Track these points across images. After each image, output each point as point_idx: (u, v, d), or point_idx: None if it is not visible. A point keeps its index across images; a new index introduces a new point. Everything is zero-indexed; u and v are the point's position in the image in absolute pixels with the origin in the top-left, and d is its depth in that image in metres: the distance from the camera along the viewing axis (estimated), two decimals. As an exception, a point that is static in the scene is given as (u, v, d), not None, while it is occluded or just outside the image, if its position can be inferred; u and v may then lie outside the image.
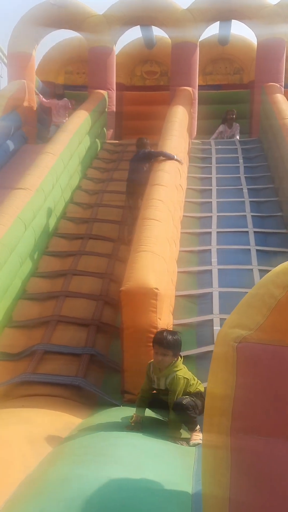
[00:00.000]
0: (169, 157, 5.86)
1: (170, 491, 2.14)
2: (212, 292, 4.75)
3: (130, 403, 3.52)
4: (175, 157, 5.92)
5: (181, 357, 3.09)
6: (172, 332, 3.09)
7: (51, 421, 3.09)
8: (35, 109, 8.87)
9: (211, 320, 4.40)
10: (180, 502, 2.06)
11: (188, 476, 2.32)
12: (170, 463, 2.48)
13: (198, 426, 2.97)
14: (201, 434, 2.87)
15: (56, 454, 2.55)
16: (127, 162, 7.81)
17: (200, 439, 2.87)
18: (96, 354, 4.10)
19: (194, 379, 3.09)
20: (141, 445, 2.61)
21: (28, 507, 1.97)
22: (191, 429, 2.98)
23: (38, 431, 2.87)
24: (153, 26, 9.41)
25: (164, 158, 5.86)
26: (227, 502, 1.43)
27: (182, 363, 3.08)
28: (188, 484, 2.21)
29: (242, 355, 1.43)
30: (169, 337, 2.99)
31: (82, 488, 2.04)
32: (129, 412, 3.28)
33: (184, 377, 2.99)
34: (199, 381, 3.12)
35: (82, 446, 2.57)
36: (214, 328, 4.28)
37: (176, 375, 2.97)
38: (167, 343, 2.96)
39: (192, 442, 2.90)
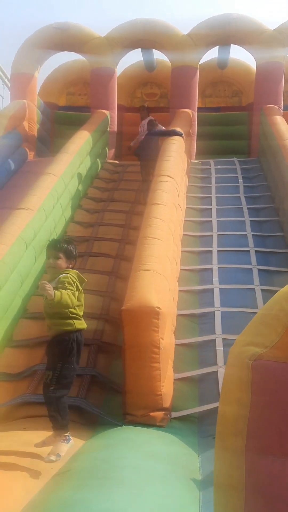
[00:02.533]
0: (178, 134, 7.13)
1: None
2: (214, 312, 4.73)
3: (132, 423, 3.46)
4: (182, 134, 7.24)
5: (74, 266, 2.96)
6: (67, 240, 3.08)
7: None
8: (35, 127, 8.98)
9: (214, 341, 4.37)
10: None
11: (195, 498, 2.26)
12: (176, 485, 2.42)
13: (66, 433, 2.73)
14: (64, 446, 2.64)
15: (58, 478, 2.49)
16: (127, 182, 7.91)
17: (59, 453, 2.59)
18: (97, 375, 4.04)
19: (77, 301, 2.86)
20: (145, 467, 2.55)
21: None
22: (55, 428, 2.73)
23: (40, 455, 2.80)
24: (153, 49, 9.62)
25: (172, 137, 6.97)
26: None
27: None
28: (195, 507, 2.15)
29: (258, 373, 1.41)
30: (62, 242, 2.98)
31: (86, 513, 1.98)
32: (130, 433, 3.22)
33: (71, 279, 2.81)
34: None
35: (84, 470, 2.52)
36: (217, 348, 4.24)
37: (67, 275, 2.85)
38: (60, 246, 2.93)
39: (48, 457, 2.62)
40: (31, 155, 8.77)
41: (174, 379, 3.93)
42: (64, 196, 6.37)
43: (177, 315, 4.63)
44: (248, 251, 5.75)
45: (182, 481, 2.53)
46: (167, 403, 3.59)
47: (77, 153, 7.05)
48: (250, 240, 5.98)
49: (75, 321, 2.81)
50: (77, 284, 2.87)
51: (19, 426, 3.37)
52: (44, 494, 2.32)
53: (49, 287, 2.70)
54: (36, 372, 4.05)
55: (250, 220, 6.40)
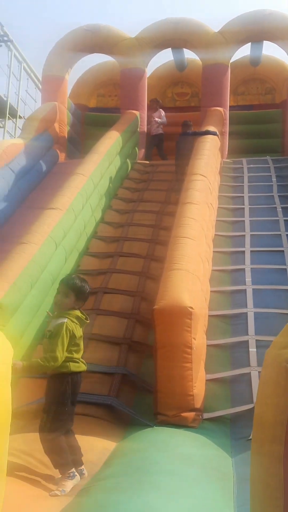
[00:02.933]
0: (212, 134, 7.36)
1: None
2: (246, 313, 4.63)
3: (163, 424, 3.42)
4: (217, 133, 7.48)
5: (82, 313, 2.82)
6: (82, 279, 2.88)
7: (87, 447, 3.01)
8: (66, 130, 9.08)
9: (247, 342, 4.27)
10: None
11: (229, 502, 2.20)
12: (209, 488, 2.36)
13: (70, 470, 2.56)
14: (69, 482, 2.50)
15: (92, 482, 2.47)
16: (157, 183, 7.88)
17: (64, 489, 2.45)
18: (128, 373, 4.02)
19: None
20: (178, 470, 2.50)
21: None
22: (56, 467, 2.60)
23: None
24: (184, 49, 9.56)
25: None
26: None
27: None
28: (229, 509, 2.09)
29: (295, 377, 1.34)
30: (77, 280, 2.80)
31: (119, 515, 1.96)
32: (165, 435, 3.18)
33: (68, 328, 2.66)
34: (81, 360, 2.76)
35: (117, 473, 2.49)
36: (250, 350, 4.15)
37: (65, 322, 2.68)
38: (73, 284, 2.77)
39: (54, 492, 2.45)
40: (62, 156, 8.87)
41: (206, 380, 3.86)
42: (93, 196, 6.40)
43: (209, 315, 4.56)
44: (282, 251, 5.61)
45: (215, 485, 2.47)
46: (199, 403, 3.53)
47: (107, 154, 7.07)
48: (284, 240, 5.83)
49: (70, 363, 2.73)
50: (73, 333, 2.74)
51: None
52: (79, 498, 2.31)
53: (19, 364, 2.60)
54: (68, 370, 4.07)
55: (284, 220, 6.24)
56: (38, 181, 7.76)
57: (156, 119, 8.88)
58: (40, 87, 11.33)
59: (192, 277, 3.96)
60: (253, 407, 3.49)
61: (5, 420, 1.71)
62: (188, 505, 2.13)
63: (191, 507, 2.12)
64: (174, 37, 8.84)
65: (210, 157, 6.57)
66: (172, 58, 10.17)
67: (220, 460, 2.91)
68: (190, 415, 3.46)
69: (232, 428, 3.56)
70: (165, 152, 9.02)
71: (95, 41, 9.05)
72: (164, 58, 10.12)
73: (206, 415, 3.57)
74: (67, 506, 2.25)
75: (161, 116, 8.92)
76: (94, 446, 3.09)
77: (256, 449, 1.51)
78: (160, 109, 8.86)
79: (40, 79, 10.38)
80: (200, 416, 3.53)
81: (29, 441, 2.86)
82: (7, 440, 1.76)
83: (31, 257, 4.43)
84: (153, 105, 8.85)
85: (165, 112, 9.67)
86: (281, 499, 1.34)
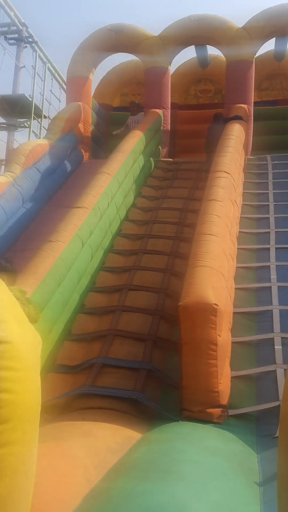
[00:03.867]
0: (239, 118, 7.80)
1: (237, 510, 2.06)
2: (272, 310, 4.61)
3: (188, 419, 3.46)
4: (242, 117, 7.88)
5: None
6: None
7: (111, 435, 3.09)
8: (90, 130, 9.19)
9: (272, 339, 4.26)
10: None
11: (255, 497, 2.23)
12: (236, 482, 2.39)
13: None
14: None
15: (118, 469, 2.53)
16: (181, 181, 7.90)
17: None
18: (153, 369, 4.08)
19: None
20: (205, 462, 2.54)
21: None
22: None
23: (100, 445, 2.87)
24: (207, 46, 9.52)
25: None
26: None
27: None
28: (256, 506, 2.12)
29: None
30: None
31: (146, 505, 2.01)
32: (188, 428, 3.22)
33: None
34: None
35: (144, 462, 2.54)
36: (276, 347, 4.14)
37: None
38: None
39: None
40: (86, 156, 8.99)
41: (231, 377, 3.88)
42: (118, 195, 6.47)
43: (234, 313, 4.57)
44: (308, 248, 5.55)
45: (241, 479, 2.50)
46: (224, 400, 3.55)
47: (131, 152, 7.13)
48: (310, 236, 5.77)
49: None
50: None
51: (78, 417, 3.47)
52: (105, 484, 2.37)
53: None
54: (94, 365, 4.16)
55: (310, 216, 6.17)
56: (64, 180, 7.90)
57: (131, 122, 8.71)
58: (64, 87, 11.50)
59: (216, 274, 3.98)
60: (279, 405, 3.51)
61: (35, 410, 1.78)
62: (216, 499, 2.16)
63: (219, 501, 2.15)
64: (198, 34, 8.82)
65: (234, 154, 6.55)
66: (195, 55, 10.14)
67: (246, 455, 2.94)
68: (216, 411, 3.49)
69: (258, 425, 3.57)
70: (185, 149, 9.10)
71: (119, 40, 9.12)
72: (187, 55, 10.12)
73: (232, 412, 3.60)
74: (93, 490, 2.30)
75: (139, 119, 8.68)
76: (118, 433, 3.16)
77: (283, 441, 1.54)
78: (141, 113, 8.68)
79: (64, 79, 10.55)
80: (226, 413, 3.55)
81: (57, 427, 2.96)
82: (37, 429, 1.84)
83: (59, 255, 4.54)
84: (134, 109, 8.77)
85: (188, 109, 9.67)
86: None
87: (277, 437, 3.19)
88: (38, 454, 1.86)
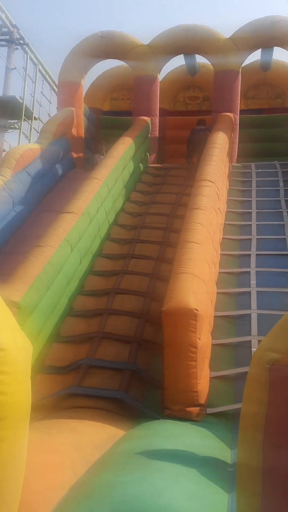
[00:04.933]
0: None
1: (208, 499, 2.30)
2: (250, 314, 4.87)
3: (169, 417, 3.69)
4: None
5: None
6: None
7: (97, 432, 3.31)
8: (83, 135, 9.38)
9: (249, 342, 4.51)
10: (215, 508, 2.22)
11: (224, 487, 2.47)
12: (209, 474, 2.63)
13: None
14: None
15: (102, 463, 2.76)
16: (169, 186, 8.14)
17: None
18: (137, 370, 4.30)
19: None
20: (181, 456, 2.78)
21: (77, 509, 2.18)
22: None
23: (85, 441, 3.09)
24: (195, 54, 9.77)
25: None
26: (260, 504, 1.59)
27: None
28: (224, 494, 2.36)
29: (274, 376, 1.61)
30: None
31: (125, 494, 2.24)
32: (170, 425, 3.45)
33: None
34: None
35: (125, 456, 2.77)
36: (252, 349, 4.39)
37: None
38: None
39: None
40: (78, 160, 9.16)
41: (210, 377, 4.12)
42: (107, 200, 6.69)
43: (215, 316, 4.81)
44: (287, 255, 5.82)
45: (214, 471, 2.74)
46: (202, 399, 3.79)
47: (121, 158, 7.35)
48: (289, 244, 6.04)
49: None
50: None
51: (66, 415, 3.69)
52: (89, 476, 2.59)
53: None
54: (81, 366, 4.36)
55: (290, 224, 6.45)
56: (54, 184, 8.08)
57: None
58: (55, 89, 11.66)
59: (197, 280, 4.22)
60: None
61: (26, 409, 1.99)
62: (189, 487, 2.40)
63: (191, 489, 2.39)
64: (186, 44, 9.06)
65: (218, 162, 6.80)
66: (184, 63, 10.39)
67: (220, 450, 3.18)
68: (195, 409, 3.73)
69: (234, 423, 3.80)
70: (174, 154, 9.40)
71: (110, 47, 9.31)
72: (176, 62, 10.35)
73: (210, 410, 3.83)
74: (78, 482, 2.52)
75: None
76: (103, 430, 3.38)
77: (241, 436, 1.78)
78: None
79: (55, 81, 10.72)
80: (204, 411, 3.79)
81: (46, 424, 3.17)
82: (27, 427, 2.05)
83: (47, 260, 4.73)
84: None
85: (177, 115, 9.93)
86: (260, 478, 1.62)
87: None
88: (28, 448, 2.08)
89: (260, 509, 1.58)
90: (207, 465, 2.77)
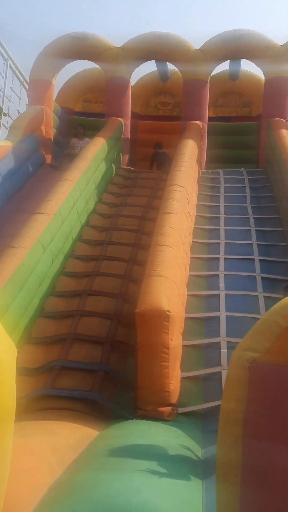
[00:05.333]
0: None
1: (183, 495, 2.41)
2: (219, 316, 5.04)
3: (142, 417, 3.78)
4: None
5: None
6: None
7: (72, 433, 3.35)
8: (52, 133, 9.34)
9: (219, 343, 4.67)
10: (191, 504, 2.33)
11: (198, 483, 2.59)
12: (182, 472, 2.75)
13: None
14: None
15: (79, 462, 2.81)
16: (140, 189, 8.24)
17: None
18: (110, 371, 4.36)
19: None
20: (155, 454, 2.87)
21: (60, 507, 2.23)
22: None
23: (61, 442, 3.13)
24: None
25: None
26: (239, 502, 1.71)
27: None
28: (198, 491, 2.48)
29: (253, 374, 1.73)
30: None
31: (106, 492, 2.31)
32: (141, 426, 3.54)
33: None
34: None
35: (103, 455, 2.84)
36: (221, 350, 4.55)
37: None
38: None
39: None
40: (48, 158, 9.12)
41: (181, 378, 4.25)
42: (79, 201, 6.70)
43: (186, 318, 4.94)
44: (253, 259, 6.05)
45: (187, 469, 2.85)
46: (174, 399, 3.91)
47: (93, 160, 7.38)
48: (255, 249, 6.27)
49: None
50: None
51: (40, 417, 3.70)
52: (68, 476, 2.64)
53: None
54: (54, 367, 4.37)
55: (256, 230, 6.69)
56: (24, 183, 8.01)
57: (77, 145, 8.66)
58: (26, 85, 11.50)
59: (169, 282, 4.34)
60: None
61: (11, 409, 2.03)
62: (165, 484, 2.50)
63: (167, 486, 2.50)
64: (158, 50, 9.21)
65: (188, 168, 6.98)
66: (156, 69, 10.54)
67: (191, 449, 3.29)
68: (167, 409, 3.84)
69: (203, 422, 3.94)
70: (145, 157, 9.58)
71: (82, 48, 9.32)
72: (148, 68, 10.49)
73: (181, 410, 3.95)
74: (56, 482, 2.56)
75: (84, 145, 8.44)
76: (78, 431, 3.43)
77: (221, 431, 1.89)
78: (87, 139, 8.53)
79: (26, 78, 10.57)
80: (175, 411, 3.90)
81: (22, 426, 3.18)
82: (12, 426, 2.09)
83: (20, 261, 4.71)
84: (80, 131, 8.75)
85: (149, 120, 10.07)
86: (240, 469, 1.74)
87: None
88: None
89: (239, 500, 1.70)
90: (180, 463, 2.88)
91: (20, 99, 14.96)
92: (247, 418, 1.73)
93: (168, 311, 3.88)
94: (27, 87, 10.59)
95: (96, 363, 4.44)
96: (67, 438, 3.23)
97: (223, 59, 9.29)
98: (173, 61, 9.38)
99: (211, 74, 9.33)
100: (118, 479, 2.45)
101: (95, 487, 2.37)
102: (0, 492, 2.03)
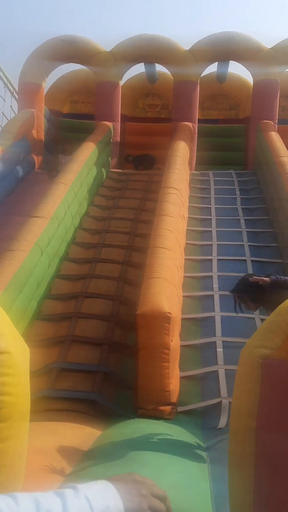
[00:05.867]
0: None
1: (192, 487, 2.50)
2: (214, 316, 5.15)
3: (143, 416, 3.86)
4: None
5: None
6: None
7: (75, 433, 3.41)
8: (43, 137, 9.36)
9: (214, 343, 4.79)
10: (201, 497, 2.42)
11: (205, 477, 2.69)
12: (189, 466, 2.84)
13: None
14: None
15: (87, 461, 2.88)
16: (131, 191, 8.33)
17: None
18: (109, 372, 4.44)
19: None
20: (161, 451, 2.96)
21: None
22: None
23: (67, 442, 3.19)
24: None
25: None
26: (253, 489, 1.81)
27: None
28: (206, 482, 2.58)
29: (266, 369, 1.83)
30: None
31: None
32: (144, 424, 3.62)
33: None
34: None
35: (110, 453, 2.92)
36: (217, 350, 4.66)
37: None
38: None
39: None
40: (38, 162, 9.13)
41: (179, 377, 4.34)
42: (73, 204, 6.76)
43: (182, 318, 5.04)
44: (245, 260, 6.19)
45: (193, 463, 2.95)
46: (174, 398, 4.00)
47: (85, 163, 7.45)
48: (247, 250, 6.41)
49: None
50: None
51: (44, 418, 3.75)
52: (77, 473, 2.71)
53: None
54: (53, 369, 4.43)
55: (247, 231, 6.84)
56: (15, 187, 8.02)
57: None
58: (10, 88, 11.46)
59: (169, 284, 4.44)
60: (221, 401, 4.02)
61: (27, 409, 2.10)
62: (174, 478, 2.59)
63: (176, 480, 2.59)
64: (147, 53, 9.30)
65: (181, 170, 7.09)
66: (144, 71, 10.63)
67: (195, 445, 3.40)
68: (167, 408, 3.93)
69: (203, 419, 4.05)
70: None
71: (72, 52, 9.36)
72: (136, 70, 10.56)
73: (180, 409, 4.04)
74: (66, 480, 2.63)
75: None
76: (81, 431, 3.49)
77: (234, 424, 1.98)
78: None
79: (10, 80, 10.55)
80: (175, 410, 4.00)
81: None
82: (28, 426, 2.16)
83: (20, 264, 4.76)
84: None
85: (137, 121, 10.16)
86: (254, 461, 1.83)
87: (220, 428, 3.71)
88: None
89: (253, 488, 1.79)
90: (186, 458, 2.98)
91: (4, 101, 14.91)
92: (261, 412, 1.82)
93: (169, 312, 3.97)
94: (11, 88, 10.60)
95: (95, 364, 4.51)
96: (72, 438, 3.29)
97: (212, 60, 9.44)
98: (163, 63, 9.49)
99: (200, 76, 9.46)
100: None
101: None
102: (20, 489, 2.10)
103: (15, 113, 9.91)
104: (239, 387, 2.03)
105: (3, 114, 13.89)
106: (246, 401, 1.93)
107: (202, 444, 3.51)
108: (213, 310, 5.26)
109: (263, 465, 1.83)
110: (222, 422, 3.75)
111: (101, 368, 4.44)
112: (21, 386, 2.09)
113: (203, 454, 3.25)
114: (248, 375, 1.94)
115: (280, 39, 9.30)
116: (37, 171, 8.81)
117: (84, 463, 2.86)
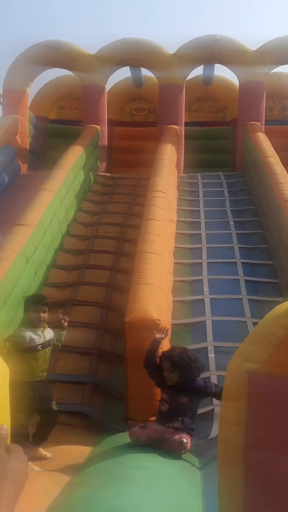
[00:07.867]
0: None
1: (183, 505, 2.40)
2: (205, 321, 5.05)
3: (134, 428, 3.75)
4: None
5: None
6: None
7: (65, 452, 3.30)
8: (27, 143, 9.25)
9: (206, 348, 4.69)
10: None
11: (197, 493, 2.58)
12: (180, 481, 2.74)
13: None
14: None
15: (76, 481, 2.76)
16: (119, 195, 8.24)
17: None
18: (99, 382, 4.32)
19: None
20: (152, 466, 2.85)
21: None
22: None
23: (54, 463, 3.09)
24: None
25: None
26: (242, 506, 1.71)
27: None
28: (198, 499, 2.47)
29: (253, 385, 1.74)
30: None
31: (105, 509, 2.27)
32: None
33: None
34: None
35: (99, 471, 2.80)
36: (209, 355, 4.56)
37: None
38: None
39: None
40: (24, 168, 9.03)
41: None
42: (60, 211, 6.65)
43: (172, 324, 4.94)
44: (235, 262, 6.11)
45: (185, 478, 2.84)
46: (165, 408, 3.89)
47: (72, 169, 7.35)
48: (237, 252, 6.34)
49: None
50: None
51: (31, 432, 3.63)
52: (65, 495, 2.59)
53: None
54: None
55: (236, 233, 6.77)
56: (1, 193, 7.89)
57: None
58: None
59: (157, 290, 4.33)
60: (213, 409, 3.91)
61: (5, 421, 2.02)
62: (164, 497, 2.48)
63: (167, 498, 2.48)
64: (132, 56, 9.25)
65: (169, 174, 7.01)
66: (130, 75, 10.58)
67: (187, 458, 3.29)
68: (158, 418, 3.82)
69: (196, 429, 3.94)
70: (120, 164, 9.43)
71: (56, 56, 9.28)
72: (122, 74, 10.52)
73: (171, 418, 3.94)
74: (54, 501, 2.52)
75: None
76: (71, 452, 3.39)
77: (222, 442, 1.89)
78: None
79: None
80: (167, 419, 3.89)
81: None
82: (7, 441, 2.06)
83: (3, 274, 4.64)
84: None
85: (124, 126, 10.07)
86: (243, 480, 1.74)
87: (211, 439, 3.60)
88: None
89: (243, 509, 1.70)
90: (177, 474, 2.86)
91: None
92: (249, 429, 1.73)
93: (158, 319, 3.86)
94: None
95: (84, 375, 4.39)
96: (61, 459, 3.18)
97: (197, 63, 9.42)
98: (148, 66, 9.45)
99: (186, 79, 9.42)
100: (117, 494, 2.42)
101: (94, 505, 2.33)
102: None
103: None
104: (226, 402, 1.94)
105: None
106: (233, 418, 1.84)
107: (196, 457, 3.40)
108: (204, 315, 5.16)
109: (253, 486, 1.73)
110: (215, 432, 3.65)
111: (90, 379, 4.33)
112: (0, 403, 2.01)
113: (196, 467, 3.15)
114: (235, 390, 1.85)
115: (264, 41, 9.31)
116: (23, 177, 8.69)
117: (72, 485, 2.74)
